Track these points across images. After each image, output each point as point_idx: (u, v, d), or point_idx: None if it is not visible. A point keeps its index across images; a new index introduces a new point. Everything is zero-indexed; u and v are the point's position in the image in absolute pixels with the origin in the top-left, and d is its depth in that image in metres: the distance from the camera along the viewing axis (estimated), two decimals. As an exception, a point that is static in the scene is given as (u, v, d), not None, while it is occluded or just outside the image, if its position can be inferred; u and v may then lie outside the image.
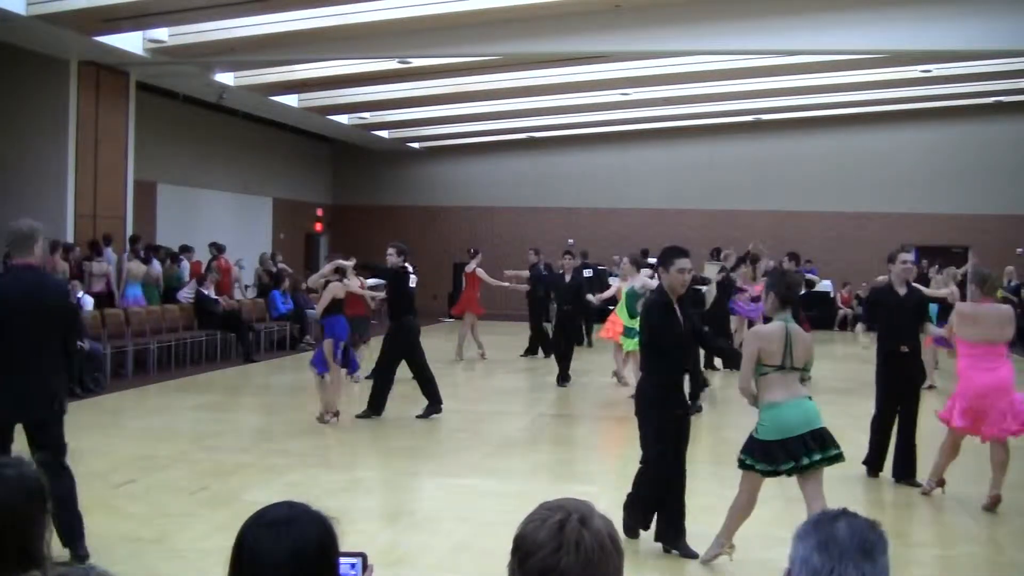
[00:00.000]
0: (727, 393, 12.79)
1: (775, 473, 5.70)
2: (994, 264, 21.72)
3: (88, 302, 14.14)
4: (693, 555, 6.12)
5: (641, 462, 6.33)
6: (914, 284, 8.85)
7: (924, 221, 24.63)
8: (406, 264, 11.07)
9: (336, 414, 10.55)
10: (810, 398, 5.79)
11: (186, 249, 17.79)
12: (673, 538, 6.23)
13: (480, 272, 16.62)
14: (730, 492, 6.07)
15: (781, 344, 5.63)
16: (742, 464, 5.84)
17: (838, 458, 5.72)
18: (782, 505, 7.01)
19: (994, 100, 22.65)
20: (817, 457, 5.61)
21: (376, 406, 10.80)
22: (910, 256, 8.60)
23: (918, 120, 24.30)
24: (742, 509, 5.94)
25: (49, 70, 15.14)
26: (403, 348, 10.98)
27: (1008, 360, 7.46)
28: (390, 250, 11.16)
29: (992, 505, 7.29)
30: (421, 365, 11.02)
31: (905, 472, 8.18)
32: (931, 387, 12.72)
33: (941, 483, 7.81)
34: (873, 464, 8.39)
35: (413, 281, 11.19)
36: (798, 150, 25.16)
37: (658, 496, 6.25)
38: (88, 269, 15.10)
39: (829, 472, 5.74)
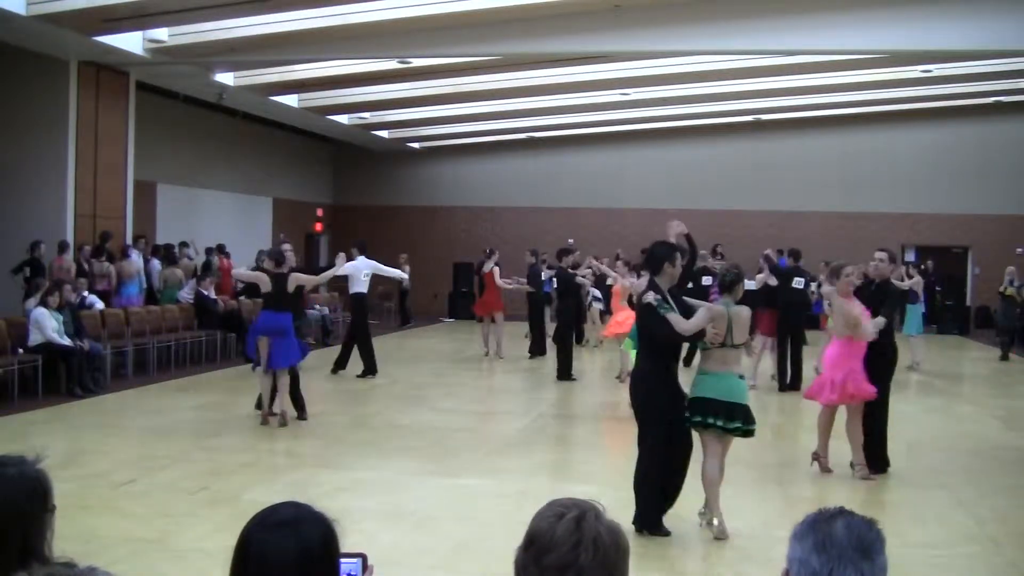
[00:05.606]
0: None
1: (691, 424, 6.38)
2: (994, 264, 22.02)
3: (95, 302, 14.15)
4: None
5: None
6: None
7: (924, 221, 24.62)
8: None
9: None
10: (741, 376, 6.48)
11: (168, 249, 17.74)
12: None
13: (495, 272, 17.10)
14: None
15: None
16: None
17: (744, 432, 6.36)
18: (782, 505, 7.02)
19: (994, 100, 22.63)
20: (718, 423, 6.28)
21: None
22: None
23: (918, 120, 24.28)
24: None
25: (49, 70, 15.15)
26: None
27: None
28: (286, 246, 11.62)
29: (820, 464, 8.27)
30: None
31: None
32: None
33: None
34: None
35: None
36: (798, 150, 25.14)
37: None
38: (97, 270, 15.12)
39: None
